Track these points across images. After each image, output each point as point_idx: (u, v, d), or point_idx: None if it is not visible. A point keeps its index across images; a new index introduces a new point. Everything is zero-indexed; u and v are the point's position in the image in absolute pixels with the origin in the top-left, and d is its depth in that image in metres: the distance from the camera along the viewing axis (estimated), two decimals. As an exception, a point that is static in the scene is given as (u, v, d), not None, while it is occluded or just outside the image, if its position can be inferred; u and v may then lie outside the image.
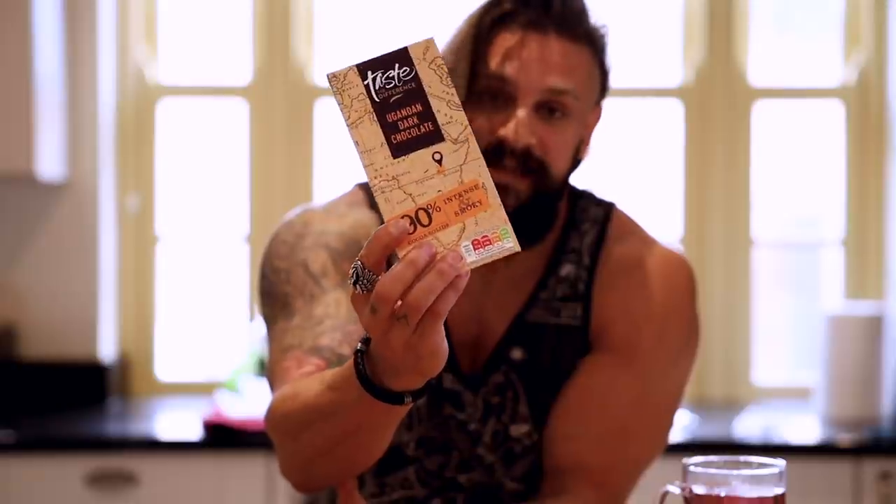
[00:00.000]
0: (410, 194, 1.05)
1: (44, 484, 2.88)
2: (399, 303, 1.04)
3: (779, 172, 3.52)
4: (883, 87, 3.45)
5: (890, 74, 3.43)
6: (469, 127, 1.06)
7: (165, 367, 3.51)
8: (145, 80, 3.48)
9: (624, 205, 1.65)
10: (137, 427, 3.17)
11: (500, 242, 1.05)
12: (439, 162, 1.06)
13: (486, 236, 1.05)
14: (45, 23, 3.18)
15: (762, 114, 3.49)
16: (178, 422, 3.13)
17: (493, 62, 1.47)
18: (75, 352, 3.35)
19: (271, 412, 1.39)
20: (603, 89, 1.56)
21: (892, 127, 3.42)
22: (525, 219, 1.48)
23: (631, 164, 3.53)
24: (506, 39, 1.48)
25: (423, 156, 1.06)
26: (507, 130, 1.46)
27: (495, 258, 1.05)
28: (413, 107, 1.06)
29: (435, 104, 1.06)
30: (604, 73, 1.55)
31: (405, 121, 1.06)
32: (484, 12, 1.50)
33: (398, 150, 1.06)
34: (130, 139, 3.48)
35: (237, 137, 3.52)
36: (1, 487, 2.87)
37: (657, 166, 3.53)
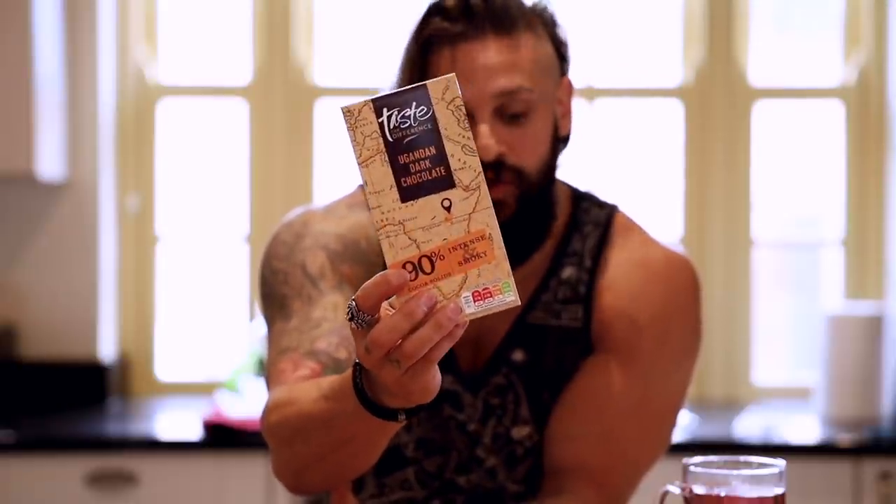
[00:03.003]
0: (415, 240, 1.04)
1: (44, 484, 2.88)
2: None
3: (779, 172, 3.52)
4: (883, 87, 3.45)
5: (890, 74, 3.43)
6: (482, 174, 1.04)
7: (165, 367, 3.51)
8: (145, 80, 3.48)
9: (626, 207, 1.64)
10: (137, 427, 3.17)
11: (501, 296, 1.04)
12: (448, 209, 1.04)
13: (487, 289, 1.04)
14: (45, 23, 3.18)
15: (762, 114, 3.49)
16: (178, 422, 3.13)
17: None
18: (75, 352, 3.35)
19: (266, 417, 1.39)
20: (563, 60, 1.52)
21: (892, 127, 3.42)
22: (521, 224, 1.48)
23: (631, 164, 3.53)
24: (438, 61, 1.45)
25: (432, 202, 1.04)
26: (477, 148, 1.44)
27: (494, 311, 1.04)
28: (427, 150, 1.04)
29: (449, 148, 1.04)
30: (558, 46, 1.51)
31: (417, 164, 1.04)
32: (413, 40, 1.48)
33: (407, 195, 1.04)
34: (130, 139, 3.48)
35: (237, 137, 3.52)
36: (1, 487, 2.87)
37: (657, 166, 3.53)
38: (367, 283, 1.04)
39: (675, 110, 3.49)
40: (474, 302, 1.04)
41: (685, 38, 3.49)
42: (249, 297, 3.47)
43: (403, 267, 1.04)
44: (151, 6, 3.50)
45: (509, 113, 1.46)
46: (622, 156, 3.51)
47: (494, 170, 1.45)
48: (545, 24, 1.50)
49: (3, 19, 3.11)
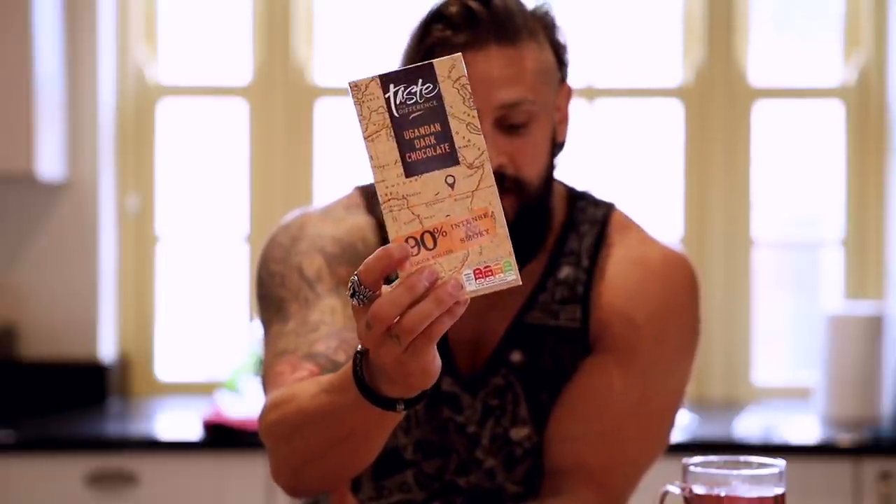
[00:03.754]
0: (418, 216, 1.04)
1: (44, 484, 2.88)
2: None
3: (779, 172, 3.52)
4: (883, 87, 3.45)
5: (890, 74, 3.43)
6: (486, 152, 1.05)
7: (165, 367, 3.51)
8: (145, 80, 3.48)
9: (623, 205, 1.63)
10: (137, 427, 3.17)
11: (501, 274, 1.05)
12: (451, 186, 1.05)
13: (488, 266, 1.04)
14: (45, 23, 3.18)
15: (762, 114, 3.49)
16: (178, 422, 3.13)
17: None
18: (75, 352, 3.35)
19: (265, 416, 1.39)
20: (562, 65, 1.51)
21: (892, 127, 3.42)
22: (520, 234, 1.48)
23: (631, 164, 3.53)
24: None
25: (435, 178, 1.04)
26: None
27: (495, 290, 1.05)
28: (432, 126, 1.05)
29: (454, 125, 1.05)
30: (559, 51, 1.50)
31: (422, 140, 1.05)
32: (415, 46, 1.46)
33: (411, 170, 1.04)
34: (130, 139, 3.48)
35: (237, 137, 3.52)
36: (1, 487, 2.87)
37: (657, 166, 3.53)
38: (369, 257, 1.04)
39: (675, 110, 3.49)
40: (475, 279, 1.04)
41: (685, 39, 3.49)
42: (249, 297, 3.47)
43: (406, 241, 1.04)
44: (151, 6, 3.50)
45: (510, 123, 1.45)
46: (622, 156, 3.51)
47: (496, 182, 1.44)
48: (546, 28, 1.49)
49: (3, 19, 3.11)
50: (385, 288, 1.05)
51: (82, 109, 3.35)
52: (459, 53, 1.06)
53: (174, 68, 3.52)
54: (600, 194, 1.63)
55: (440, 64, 1.05)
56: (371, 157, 1.05)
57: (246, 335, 3.40)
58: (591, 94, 3.46)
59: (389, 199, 1.04)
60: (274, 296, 1.53)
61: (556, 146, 1.53)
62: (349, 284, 1.06)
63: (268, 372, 1.46)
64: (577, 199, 1.61)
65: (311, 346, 1.43)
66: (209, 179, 3.57)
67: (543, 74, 1.48)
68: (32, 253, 3.35)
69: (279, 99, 3.48)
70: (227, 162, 3.54)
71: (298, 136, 3.49)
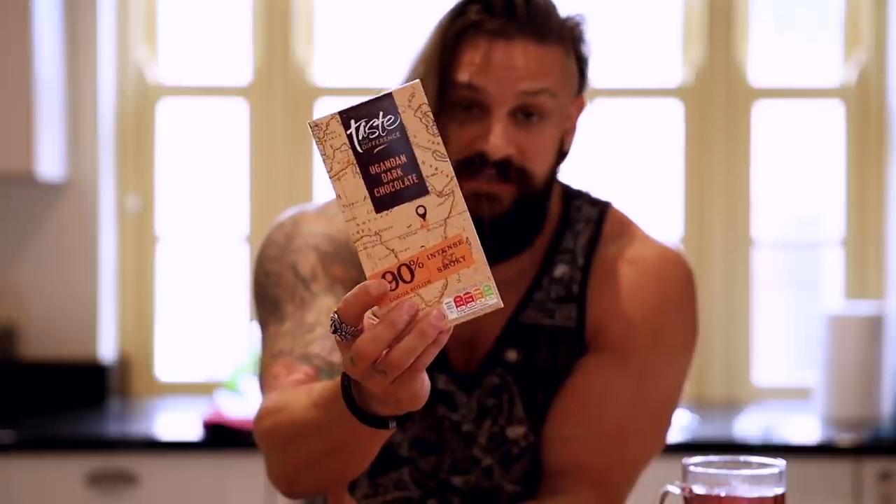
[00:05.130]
0: (393, 250, 1.04)
1: (44, 484, 2.88)
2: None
3: (779, 172, 3.52)
4: (883, 87, 3.45)
5: (890, 74, 3.43)
6: (455, 178, 1.04)
7: (165, 367, 3.51)
8: (145, 80, 3.48)
9: (620, 204, 1.63)
10: (137, 427, 3.17)
11: (482, 299, 1.04)
12: (423, 216, 1.04)
13: (468, 293, 1.04)
14: (45, 23, 3.18)
15: (762, 114, 3.49)
16: (178, 422, 3.13)
17: (462, 74, 1.45)
18: (75, 352, 3.35)
19: (258, 422, 1.39)
20: (582, 78, 1.54)
21: (892, 127, 3.42)
22: (512, 223, 1.48)
23: (631, 164, 3.53)
24: (473, 50, 1.46)
25: (406, 210, 1.04)
26: (487, 145, 1.44)
27: (478, 315, 1.04)
28: (397, 158, 1.04)
29: (420, 155, 1.04)
30: (581, 64, 1.53)
31: (389, 173, 1.04)
32: (449, 23, 1.48)
33: (381, 205, 1.04)
34: (130, 139, 3.48)
35: (237, 137, 3.52)
36: (1, 487, 2.87)
37: (657, 166, 3.53)
38: (347, 295, 1.04)
39: (675, 110, 3.49)
40: (457, 307, 1.04)
41: (685, 38, 3.49)
42: (249, 297, 3.47)
43: (383, 277, 1.04)
44: (151, 6, 3.50)
45: (525, 114, 1.47)
46: (622, 156, 3.51)
47: (500, 169, 1.45)
48: (574, 38, 1.51)
49: (3, 19, 3.11)
50: (368, 316, 1.05)
51: (82, 109, 3.35)
52: (418, 80, 1.05)
53: (174, 68, 3.52)
54: (597, 193, 1.63)
55: (399, 93, 1.04)
56: (339, 196, 1.04)
57: (245, 335, 3.40)
58: (591, 94, 3.45)
59: (362, 237, 1.04)
60: (270, 296, 1.53)
61: (561, 155, 1.54)
62: (330, 321, 1.06)
63: (264, 373, 1.47)
64: (574, 198, 1.61)
65: (307, 348, 1.43)
66: (209, 179, 3.57)
67: (565, 78, 1.50)
68: (32, 253, 3.35)
69: (279, 99, 3.48)
70: (227, 162, 3.54)
71: (298, 136, 3.49)
